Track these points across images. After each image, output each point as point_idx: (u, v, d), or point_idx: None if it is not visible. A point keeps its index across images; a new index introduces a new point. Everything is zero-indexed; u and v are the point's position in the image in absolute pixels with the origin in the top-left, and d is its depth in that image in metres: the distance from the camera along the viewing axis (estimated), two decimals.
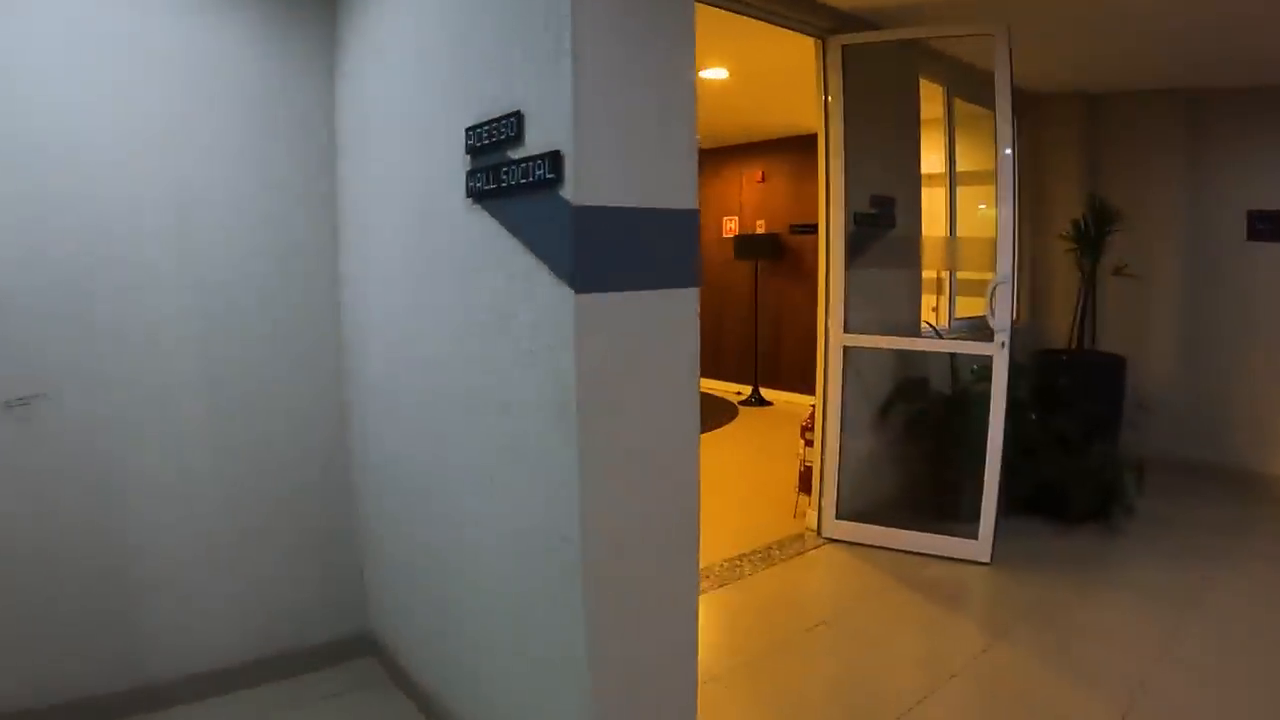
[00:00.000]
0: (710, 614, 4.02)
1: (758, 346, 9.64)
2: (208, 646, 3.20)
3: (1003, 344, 4.37)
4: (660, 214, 2.25)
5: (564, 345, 2.13)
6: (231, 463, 3.23)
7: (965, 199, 6.02)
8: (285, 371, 3.35)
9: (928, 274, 6.37)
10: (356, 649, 3.52)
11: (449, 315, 2.71)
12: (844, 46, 4.75)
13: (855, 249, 5.04)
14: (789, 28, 4.59)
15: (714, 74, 6.22)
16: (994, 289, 4.40)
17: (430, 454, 2.91)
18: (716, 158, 10.11)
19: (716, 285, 10.23)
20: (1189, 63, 5.65)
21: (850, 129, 4.84)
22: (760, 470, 6.65)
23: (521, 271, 2.28)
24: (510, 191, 2.29)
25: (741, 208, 9.84)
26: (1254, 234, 6.16)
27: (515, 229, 2.30)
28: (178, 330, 3.09)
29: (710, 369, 10.53)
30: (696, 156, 2.40)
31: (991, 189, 6.90)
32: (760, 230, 9.59)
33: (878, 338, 5.04)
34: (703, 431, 7.78)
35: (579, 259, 2.08)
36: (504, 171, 2.30)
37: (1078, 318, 6.17)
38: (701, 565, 4.34)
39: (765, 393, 9.60)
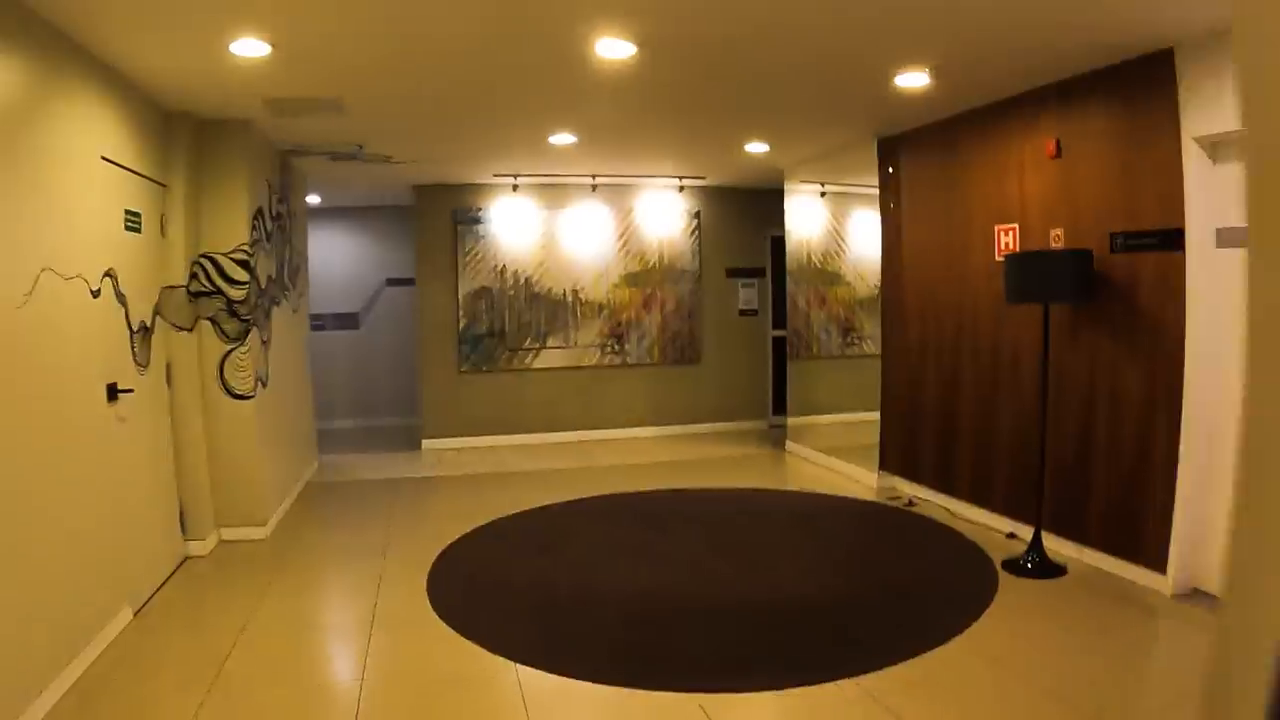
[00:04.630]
0: None
1: (1046, 460, 5.08)
2: None
3: None
4: None
5: None
6: None
7: None
8: None
9: None
10: None
11: None
12: None
13: None
14: None
15: None
16: None
17: None
18: (981, 121, 5.71)
19: (980, 343, 5.81)
20: None
21: None
22: None
23: None
24: None
25: (1024, 206, 5.37)
26: None
27: None
28: None
29: (964, 486, 6.06)
30: None
31: None
32: (1057, 245, 5.08)
33: None
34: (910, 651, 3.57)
35: None
36: None
37: None
38: None
39: (1055, 545, 5.04)
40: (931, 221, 6.36)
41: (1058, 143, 5.05)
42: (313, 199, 9.68)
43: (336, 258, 10.50)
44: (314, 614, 4.54)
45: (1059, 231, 5.07)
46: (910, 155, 6.60)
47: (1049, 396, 4.99)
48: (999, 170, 5.57)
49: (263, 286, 6.16)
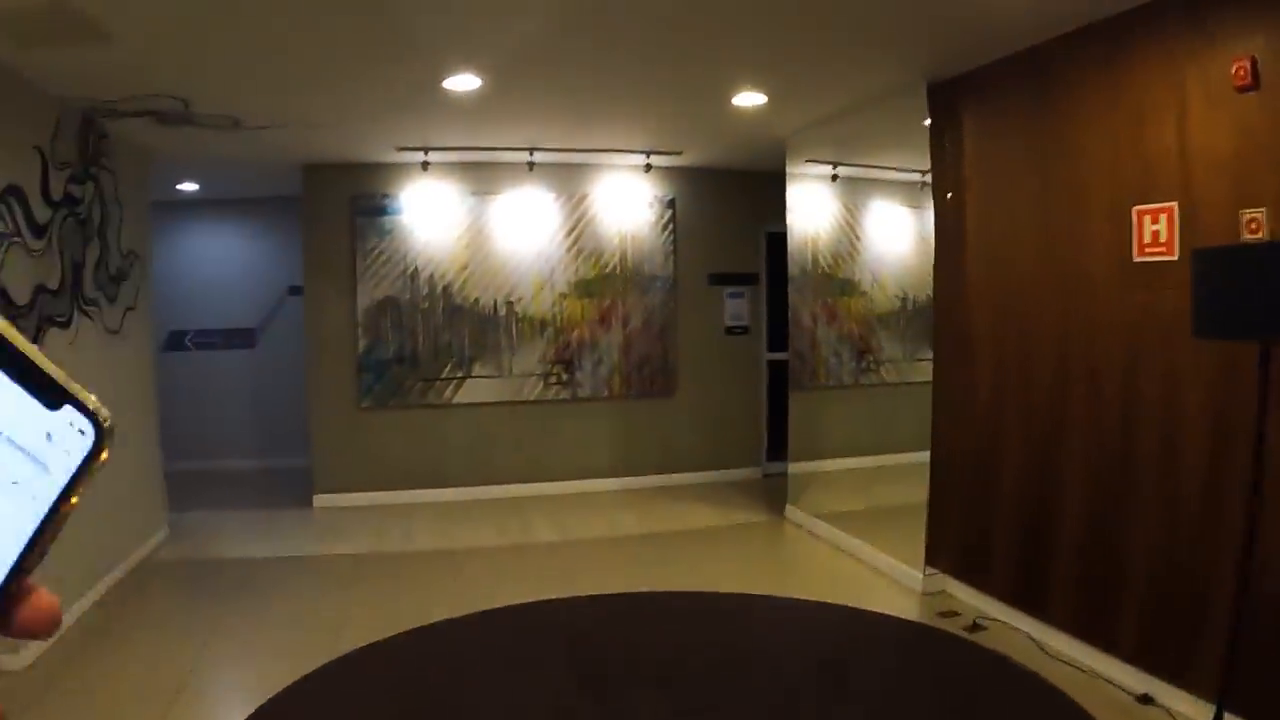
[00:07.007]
0: None
1: (1248, 591, 2.97)
2: None
3: None
4: None
5: None
6: None
7: None
8: None
9: None
10: None
11: None
12: None
13: None
14: None
15: None
16: None
17: None
18: (1103, 40, 3.65)
19: (1102, 395, 3.76)
20: None
21: None
22: None
23: None
24: None
25: (1187, 173, 3.31)
26: None
27: None
28: None
29: (1063, 610, 4.00)
30: None
31: None
32: (1255, 234, 3.01)
33: None
34: None
35: None
36: None
37: None
38: None
39: None
40: (1016, 204, 4.27)
41: (1253, 63, 3.00)
42: (189, 186, 7.67)
43: (227, 260, 8.45)
44: None
45: (1258, 214, 3.01)
46: (980, 105, 4.53)
47: (1265, 488, 2.89)
48: (1137, 116, 3.50)
49: (26, 302, 4.15)
